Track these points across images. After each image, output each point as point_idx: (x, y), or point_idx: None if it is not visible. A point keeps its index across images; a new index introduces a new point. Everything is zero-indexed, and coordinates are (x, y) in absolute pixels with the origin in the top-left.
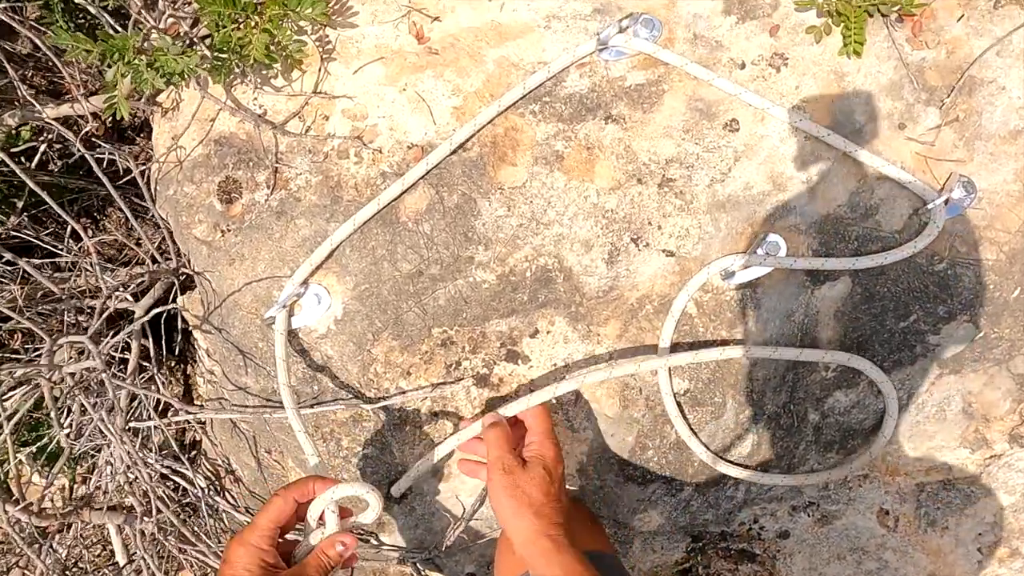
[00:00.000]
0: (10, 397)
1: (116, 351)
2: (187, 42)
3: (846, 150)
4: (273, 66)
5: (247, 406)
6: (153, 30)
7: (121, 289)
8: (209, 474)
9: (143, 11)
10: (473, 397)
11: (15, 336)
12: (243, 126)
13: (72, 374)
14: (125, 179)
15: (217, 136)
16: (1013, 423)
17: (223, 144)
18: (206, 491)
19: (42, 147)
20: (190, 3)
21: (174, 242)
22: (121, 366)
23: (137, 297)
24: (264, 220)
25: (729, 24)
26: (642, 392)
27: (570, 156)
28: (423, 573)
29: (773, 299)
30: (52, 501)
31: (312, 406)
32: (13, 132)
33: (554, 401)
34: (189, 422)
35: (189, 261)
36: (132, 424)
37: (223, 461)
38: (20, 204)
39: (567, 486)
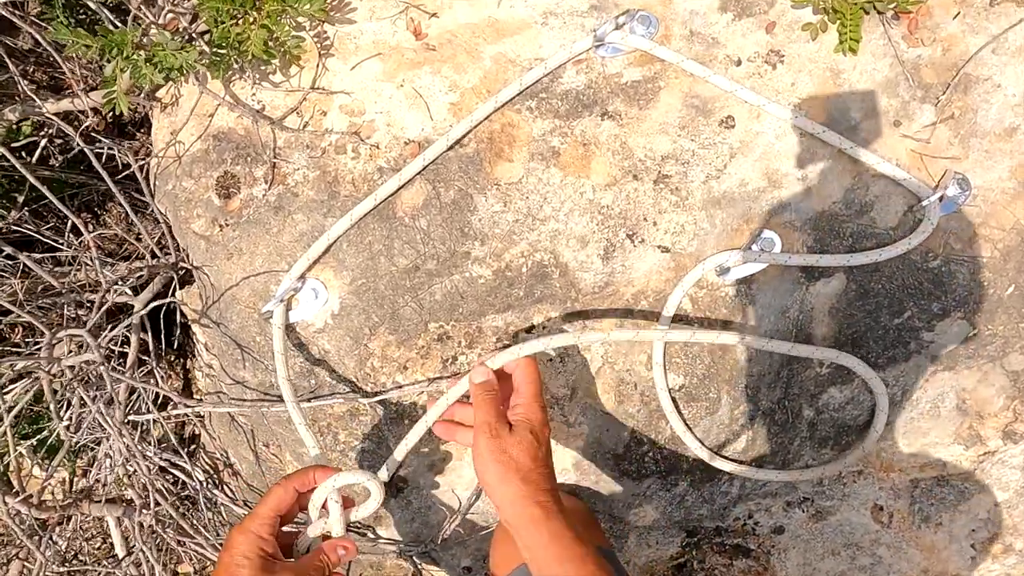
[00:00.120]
0: (10, 390)
1: (115, 345)
2: (186, 38)
3: (841, 147)
4: (271, 62)
5: (245, 400)
6: (152, 25)
7: (120, 283)
8: (208, 467)
9: (142, 6)
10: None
11: (15, 330)
12: (241, 121)
13: (71, 367)
14: (124, 174)
15: (216, 131)
16: (1007, 420)
17: (221, 139)
18: (205, 484)
19: (43, 142)
20: None
21: (173, 237)
22: (120, 360)
23: (136, 291)
24: (262, 215)
25: (725, 21)
26: (637, 387)
27: (566, 152)
28: (420, 566)
29: (768, 295)
30: (52, 494)
31: (309, 400)
32: (14, 127)
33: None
34: (188, 416)
35: (188, 255)
36: (131, 417)
37: (221, 454)
38: (21, 199)
39: (563, 480)
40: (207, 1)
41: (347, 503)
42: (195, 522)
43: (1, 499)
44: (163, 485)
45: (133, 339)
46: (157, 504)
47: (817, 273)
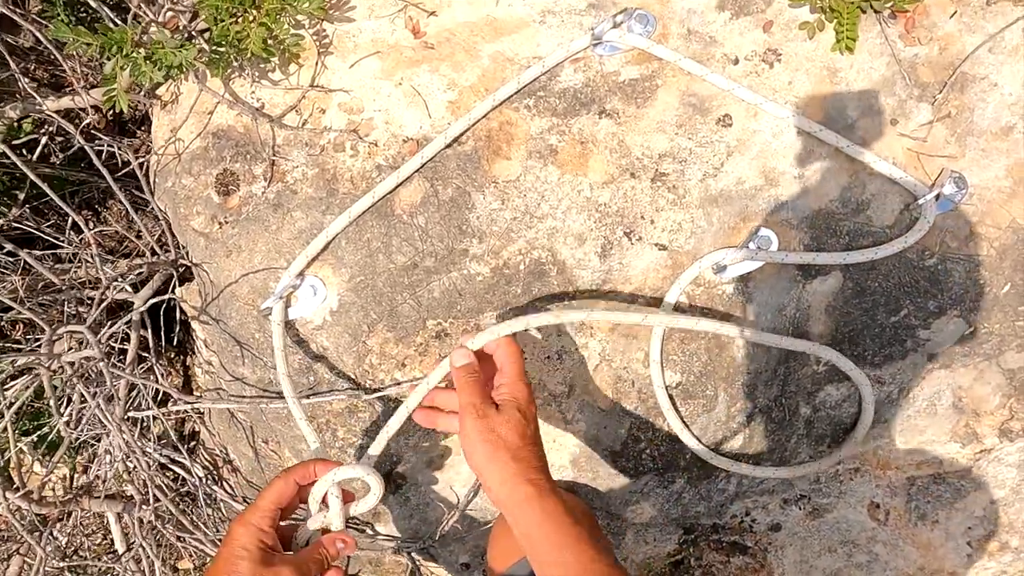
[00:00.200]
0: (11, 386)
1: (115, 342)
2: (185, 35)
3: (838, 145)
4: (271, 60)
5: (244, 396)
6: (152, 23)
7: (120, 280)
8: (207, 464)
9: (142, 4)
10: None
11: (16, 326)
12: (241, 119)
13: (71, 363)
14: (124, 171)
15: (215, 129)
16: (1003, 418)
17: (221, 137)
18: (204, 480)
19: (43, 139)
20: None
21: (172, 234)
22: (120, 356)
23: (136, 288)
24: (261, 212)
25: (723, 20)
26: (634, 385)
27: (564, 150)
28: (418, 563)
29: (765, 293)
30: (53, 490)
31: (308, 396)
32: (15, 124)
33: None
34: (187, 412)
35: (187, 253)
36: (131, 414)
37: (221, 451)
38: (22, 196)
39: (560, 477)
40: None
41: (347, 497)
42: (194, 518)
43: (2, 495)
44: (163, 481)
45: (133, 336)
46: (157, 500)
47: (814, 271)
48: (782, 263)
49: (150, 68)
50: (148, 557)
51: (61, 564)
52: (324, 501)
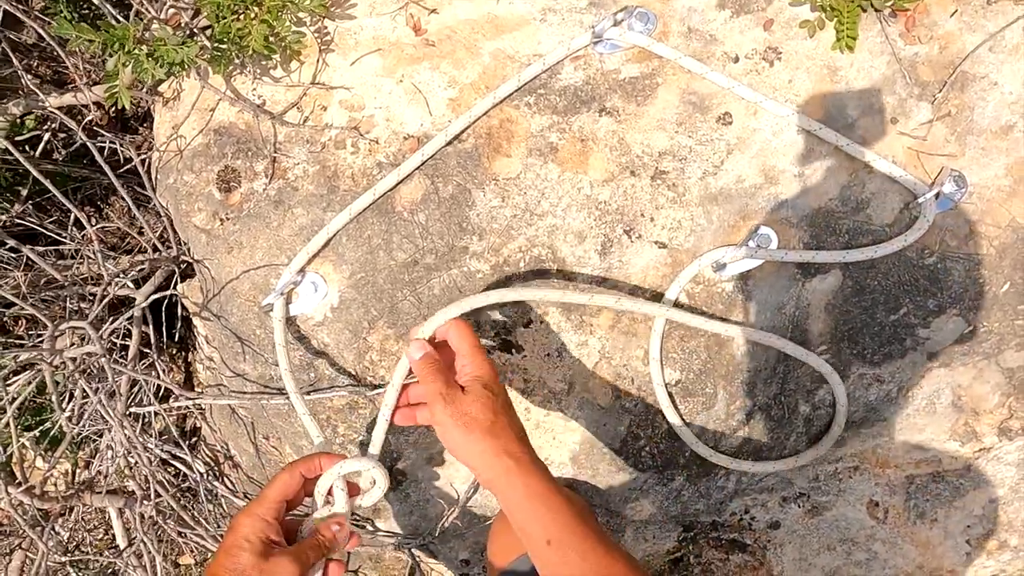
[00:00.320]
0: (14, 382)
1: (117, 338)
2: (187, 32)
3: (838, 144)
4: (272, 57)
5: (245, 392)
6: (154, 20)
7: (122, 276)
8: (208, 459)
9: (144, 2)
10: None
11: (19, 322)
12: (242, 116)
13: (73, 359)
14: (126, 168)
15: (217, 126)
16: (1002, 416)
17: (222, 134)
18: (205, 476)
19: (46, 136)
20: None
21: (174, 230)
22: (122, 352)
23: (138, 284)
24: (262, 209)
25: (723, 18)
26: (634, 382)
27: (564, 148)
28: (418, 559)
29: (764, 291)
30: (55, 485)
31: (309, 392)
32: (18, 121)
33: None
34: (189, 408)
35: (189, 249)
36: (132, 409)
37: (222, 447)
38: (24, 192)
39: (560, 474)
40: None
41: (352, 491)
42: (196, 514)
43: (4, 490)
44: (164, 477)
45: (135, 332)
46: (158, 496)
47: (813, 269)
48: (782, 261)
49: (152, 65)
50: (149, 552)
51: (63, 559)
52: (329, 494)
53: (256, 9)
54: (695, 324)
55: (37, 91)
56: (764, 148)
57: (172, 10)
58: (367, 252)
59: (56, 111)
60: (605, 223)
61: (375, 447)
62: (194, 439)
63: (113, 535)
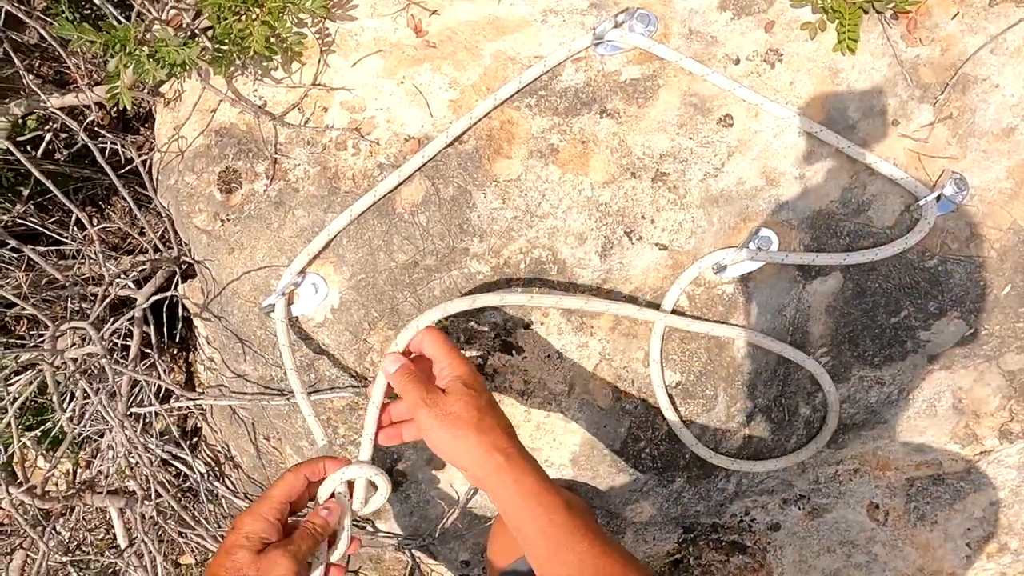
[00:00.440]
0: (15, 381)
1: (118, 338)
2: (189, 33)
3: (839, 146)
4: (273, 58)
5: (246, 393)
6: (156, 21)
7: (123, 277)
8: (209, 460)
9: (146, 2)
10: None
11: (20, 322)
12: (243, 117)
13: (74, 359)
14: (128, 168)
15: (218, 127)
16: (1003, 419)
17: (223, 135)
18: (206, 477)
19: (48, 136)
20: None
21: (175, 231)
22: (123, 353)
23: (139, 285)
24: (263, 210)
25: (724, 20)
26: (634, 384)
27: (565, 150)
28: (418, 560)
29: (765, 293)
30: (56, 485)
31: (309, 393)
32: (20, 121)
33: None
34: (190, 408)
35: (189, 250)
36: (133, 410)
37: (223, 447)
38: (26, 192)
39: (560, 475)
40: None
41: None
42: (196, 514)
43: (5, 489)
44: (165, 477)
45: (135, 332)
46: (159, 496)
47: (814, 272)
48: (782, 263)
49: (153, 66)
50: (150, 552)
51: (64, 559)
52: (332, 498)
53: (257, 10)
54: (678, 325)
55: (39, 91)
56: (765, 150)
57: (173, 11)
58: (368, 253)
59: (57, 111)
60: (606, 225)
61: (359, 490)
62: (195, 439)
63: (114, 535)
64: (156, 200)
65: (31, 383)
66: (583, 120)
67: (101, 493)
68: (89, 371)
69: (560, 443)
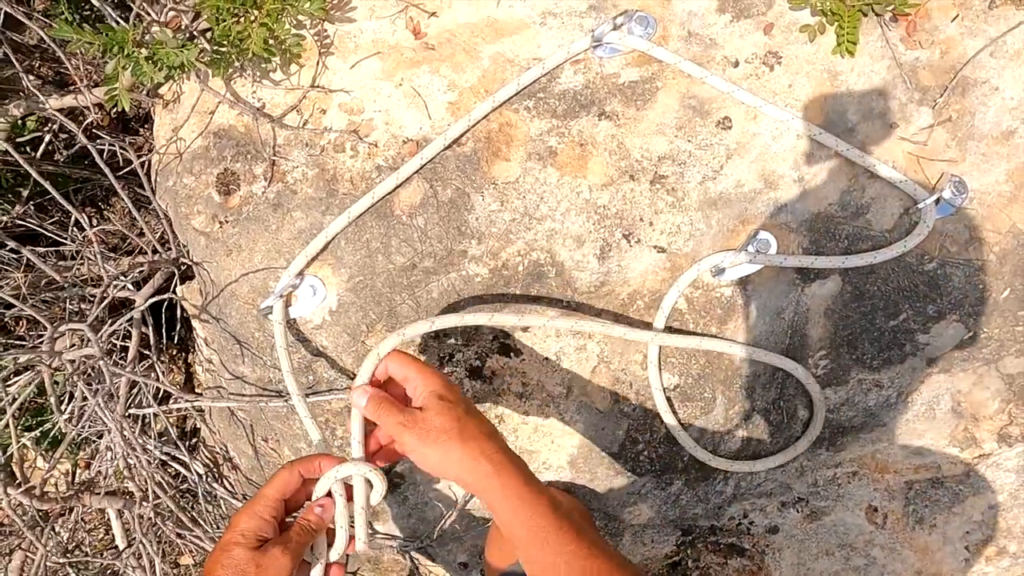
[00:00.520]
0: (14, 382)
1: (117, 339)
2: (187, 35)
3: (838, 149)
4: (272, 60)
5: (244, 395)
6: (154, 23)
7: (122, 278)
8: (207, 461)
9: (144, 4)
10: (466, 390)
11: (20, 323)
12: (242, 119)
13: (72, 361)
14: (127, 170)
15: (216, 128)
16: (1002, 423)
17: (222, 136)
18: (204, 478)
19: (47, 137)
20: None
21: (174, 232)
22: (122, 354)
23: (138, 286)
24: (261, 212)
25: (723, 22)
26: (632, 386)
27: (563, 152)
28: (416, 562)
29: (763, 296)
30: (56, 486)
31: (307, 395)
32: (19, 122)
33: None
34: (188, 409)
35: (188, 251)
36: (132, 411)
37: (221, 448)
38: (25, 193)
39: (558, 477)
40: None
41: (349, 494)
42: (195, 515)
43: (3, 490)
44: (163, 478)
45: (134, 333)
46: (157, 497)
47: (812, 275)
48: (781, 266)
49: (151, 68)
50: (148, 553)
51: (62, 560)
52: (328, 497)
53: (256, 12)
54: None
55: (37, 93)
56: (764, 153)
57: (172, 13)
58: (366, 255)
59: (56, 113)
60: (604, 227)
61: (360, 525)
62: (194, 440)
63: (113, 536)
64: (155, 202)
65: (30, 384)
66: (581, 122)
67: (99, 494)
68: (88, 372)
69: (558, 445)
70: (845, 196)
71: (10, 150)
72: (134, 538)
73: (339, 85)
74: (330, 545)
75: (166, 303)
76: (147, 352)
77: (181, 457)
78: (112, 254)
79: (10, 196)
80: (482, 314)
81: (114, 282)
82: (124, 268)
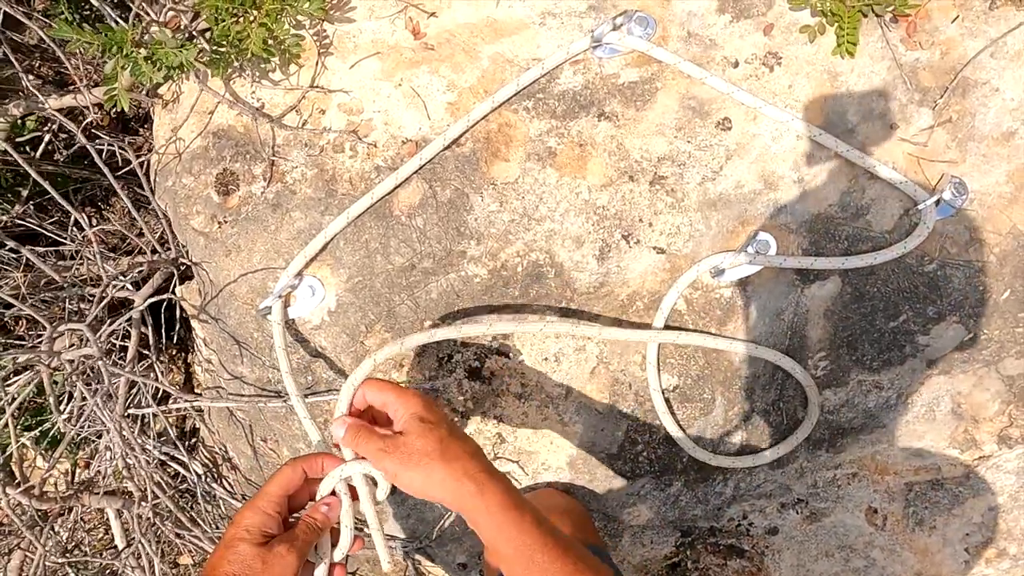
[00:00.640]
0: (14, 382)
1: (116, 339)
2: (186, 35)
3: (837, 150)
4: (271, 60)
5: (243, 395)
6: (153, 23)
7: (121, 278)
8: (207, 461)
9: (143, 4)
10: (465, 390)
11: (19, 322)
12: (241, 119)
13: (71, 361)
14: (126, 170)
15: (215, 129)
16: (1002, 424)
17: (221, 137)
18: (203, 478)
19: (47, 137)
20: None
21: (173, 233)
22: (122, 354)
23: (137, 286)
24: (260, 212)
25: (723, 23)
26: (631, 387)
27: (562, 153)
28: (416, 562)
29: (763, 297)
30: (55, 485)
31: (306, 396)
32: (18, 122)
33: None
34: (187, 409)
35: (187, 251)
36: (131, 411)
37: (220, 449)
38: (25, 193)
39: (557, 478)
40: None
41: (353, 493)
42: (194, 515)
43: (2, 490)
44: (162, 478)
45: (133, 333)
46: (156, 497)
47: (812, 276)
48: (780, 267)
49: (150, 68)
50: (147, 553)
51: (61, 559)
52: (332, 495)
53: (255, 12)
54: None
55: (36, 93)
56: (763, 153)
57: (171, 13)
58: (364, 256)
59: (56, 113)
60: (603, 228)
61: (343, 545)
62: (193, 440)
63: (112, 535)
64: (154, 202)
65: (29, 383)
66: (581, 123)
67: (98, 494)
68: (87, 372)
69: (557, 446)
70: (845, 197)
71: (9, 150)
72: (133, 538)
73: (338, 85)
74: (334, 545)
75: (165, 303)
76: (146, 352)
77: (180, 457)
78: (111, 254)
79: (10, 196)
80: (479, 325)
81: (113, 282)
82: (123, 268)
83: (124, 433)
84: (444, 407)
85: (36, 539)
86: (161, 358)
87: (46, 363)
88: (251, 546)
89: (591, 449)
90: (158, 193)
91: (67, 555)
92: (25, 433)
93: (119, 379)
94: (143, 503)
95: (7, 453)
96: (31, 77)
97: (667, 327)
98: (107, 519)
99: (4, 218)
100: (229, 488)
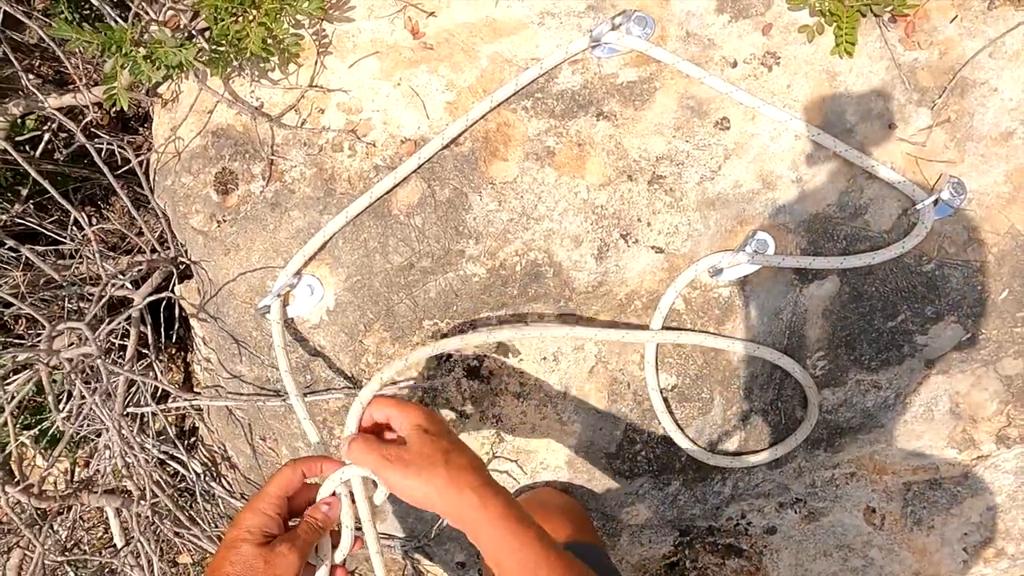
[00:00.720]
0: (13, 381)
1: (116, 338)
2: (186, 35)
3: (836, 149)
4: (270, 59)
5: (242, 394)
6: (152, 23)
7: (120, 277)
8: (206, 460)
9: (143, 3)
10: (464, 389)
11: (19, 321)
12: (240, 118)
13: (70, 360)
14: (125, 169)
15: (215, 128)
16: (1000, 424)
17: (220, 136)
18: (202, 477)
19: (46, 136)
20: None
21: (172, 231)
22: (121, 352)
23: (137, 285)
24: (259, 211)
25: (722, 22)
26: (630, 387)
27: (561, 152)
28: (415, 561)
29: (761, 297)
30: (55, 484)
31: (305, 395)
32: (18, 121)
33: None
34: (187, 408)
35: (186, 250)
36: (130, 410)
37: (219, 448)
38: (24, 192)
39: (556, 478)
40: None
41: (353, 496)
42: (193, 514)
43: (2, 488)
44: (161, 477)
45: (132, 332)
46: (155, 496)
47: (810, 275)
48: (779, 267)
49: (149, 67)
50: (146, 552)
51: (60, 558)
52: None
53: (254, 11)
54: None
55: (36, 92)
56: (762, 153)
57: (171, 12)
58: (363, 255)
59: (55, 112)
60: (602, 228)
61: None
62: (192, 439)
63: (111, 534)
64: (153, 201)
65: (29, 382)
66: (580, 122)
67: (97, 492)
68: (86, 371)
69: (556, 445)
70: (843, 197)
71: (9, 149)
72: (132, 536)
73: (337, 84)
74: (335, 547)
75: (164, 302)
76: (145, 351)
77: (179, 456)
78: (111, 253)
79: (9, 195)
80: (479, 334)
81: (112, 281)
82: (123, 267)
83: (123, 432)
84: (443, 407)
85: (35, 537)
86: (160, 357)
87: (45, 362)
88: (253, 546)
89: (590, 448)
90: (157, 192)
91: (66, 553)
92: (24, 432)
93: (118, 378)
94: (142, 502)
95: (6, 452)
96: (31, 76)
97: (665, 327)
98: (106, 518)
99: (4, 217)
100: (228, 487)
